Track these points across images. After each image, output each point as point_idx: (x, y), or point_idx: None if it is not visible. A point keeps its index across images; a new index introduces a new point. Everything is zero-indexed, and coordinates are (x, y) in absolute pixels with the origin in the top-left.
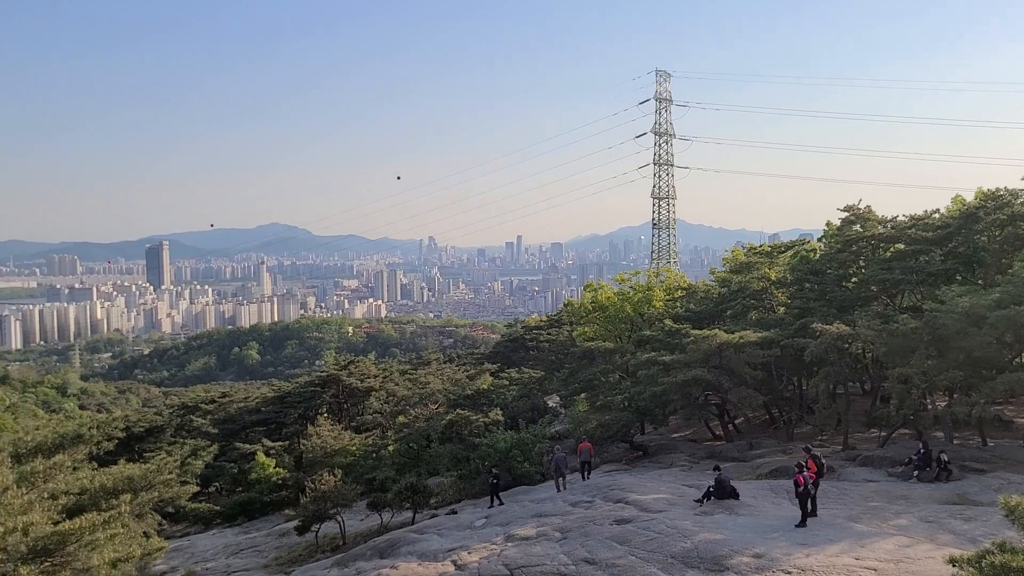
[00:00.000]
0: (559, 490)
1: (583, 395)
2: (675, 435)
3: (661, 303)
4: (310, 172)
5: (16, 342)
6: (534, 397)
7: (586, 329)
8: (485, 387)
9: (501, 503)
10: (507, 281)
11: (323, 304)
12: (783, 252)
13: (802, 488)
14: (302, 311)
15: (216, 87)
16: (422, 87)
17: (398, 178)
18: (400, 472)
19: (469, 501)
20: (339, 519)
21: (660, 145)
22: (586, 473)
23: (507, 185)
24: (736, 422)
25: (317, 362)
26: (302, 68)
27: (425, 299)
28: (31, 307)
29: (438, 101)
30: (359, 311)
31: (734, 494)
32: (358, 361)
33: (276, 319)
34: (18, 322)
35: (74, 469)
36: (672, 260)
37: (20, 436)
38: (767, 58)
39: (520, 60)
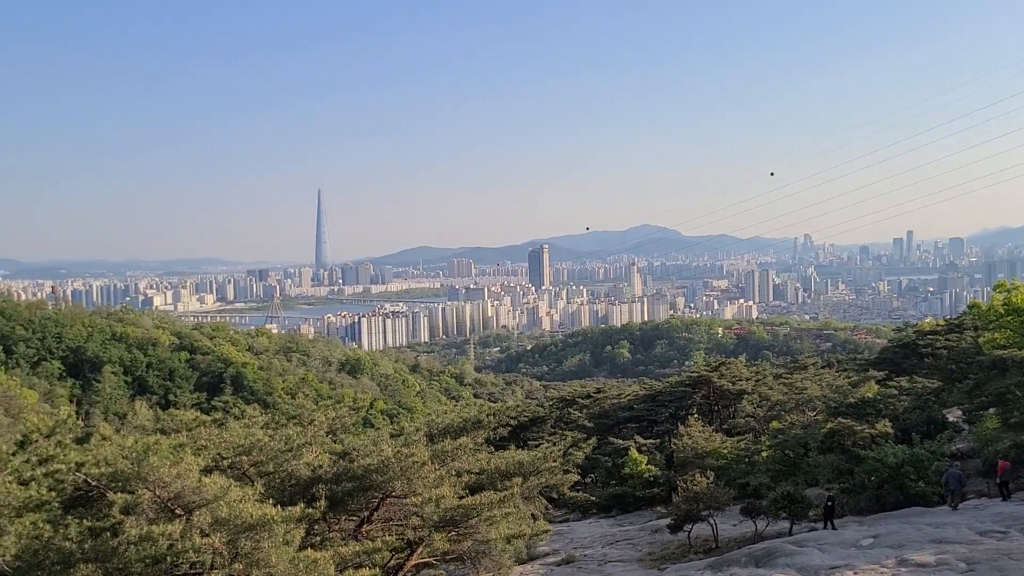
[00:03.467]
0: (952, 508)
1: (992, 410)
2: None
3: None
4: (679, 174)
5: (424, 335)
6: (930, 409)
7: (996, 335)
8: (870, 395)
9: (834, 528)
10: (894, 281)
11: (692, 304)
12: None
13: None
14: (671, 311)
15: (594, 92)
16: (793, 82)
17: (771, 174)
18: (775, 479)
19: (853, 517)
20: (711, 521)
21: None
22: (1007, 493)
23: (895, 176)
24: None
25: (686, 362)
26: (658, 68)
27: (799, 300)
28: (436, 305)
29: (811, 93)
30: (728, 312)
31: None
32: (729, 363)
33: (646, 319)
34: (425, 318)
35: (474, 451)
36: None
37: (432, 419)
38: None
39: (905, 38)
